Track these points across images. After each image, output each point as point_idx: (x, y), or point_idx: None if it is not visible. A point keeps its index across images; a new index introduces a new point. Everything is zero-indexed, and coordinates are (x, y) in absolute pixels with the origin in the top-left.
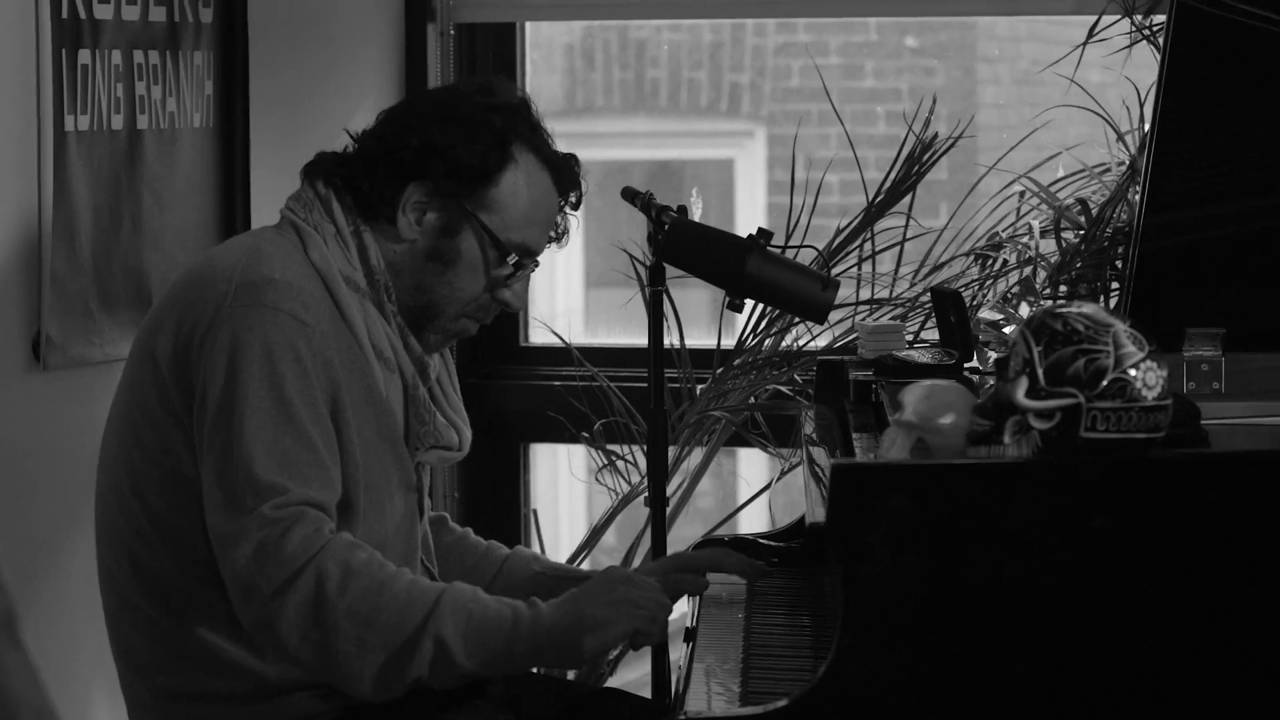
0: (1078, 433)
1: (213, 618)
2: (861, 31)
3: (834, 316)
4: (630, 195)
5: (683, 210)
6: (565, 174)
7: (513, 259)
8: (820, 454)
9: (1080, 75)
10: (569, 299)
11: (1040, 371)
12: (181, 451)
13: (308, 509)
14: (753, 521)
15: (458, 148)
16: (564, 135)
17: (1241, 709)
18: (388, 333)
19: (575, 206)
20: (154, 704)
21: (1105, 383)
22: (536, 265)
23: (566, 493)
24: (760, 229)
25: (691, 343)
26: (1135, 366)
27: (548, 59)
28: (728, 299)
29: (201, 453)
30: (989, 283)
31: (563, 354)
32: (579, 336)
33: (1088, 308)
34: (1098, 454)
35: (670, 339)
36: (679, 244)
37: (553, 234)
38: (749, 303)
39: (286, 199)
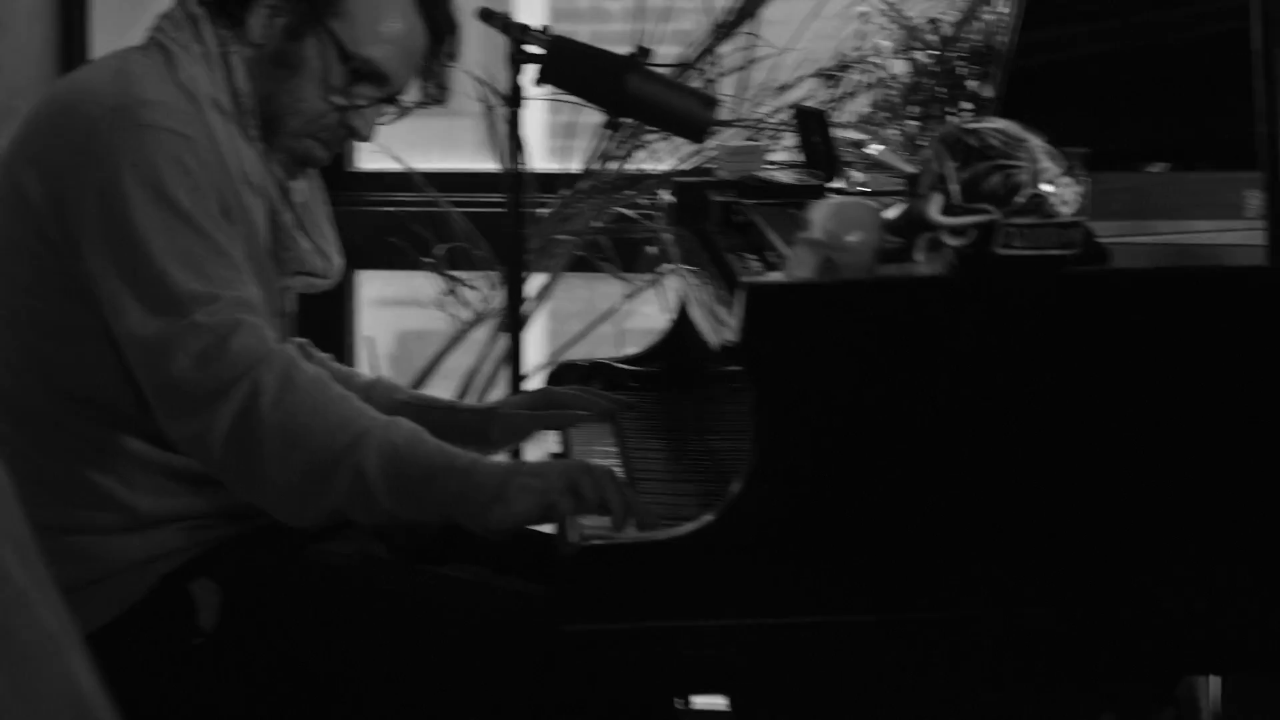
0: (992, 249)
1: (82, 450)
2: None
3: (677, 140)
4: (487, 16)
5: (547, 31)
6: (433, 6)
7: (357, 74)
8: (691, 275)
9: None
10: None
11: (955, 188)
12: (60, 283)
13: (244, 316)
14: (604, 346)
15: None
16: None
17: (1152, 525)
18: (250, 156)
19: (452, 57)
20: None
21: (1022, 199)
22: (395, 101)
23: (395, 320)
24: (640, 47)
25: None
26: (1052, 182)
27: None
28: (606, 119)
29: (104, 280)
30: (839, 103)
31: (392, 179)
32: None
33: (1001, 123)
34: (1013, 270)
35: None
36: (559, 63)
37: (429, 85)
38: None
39: (156, 17)
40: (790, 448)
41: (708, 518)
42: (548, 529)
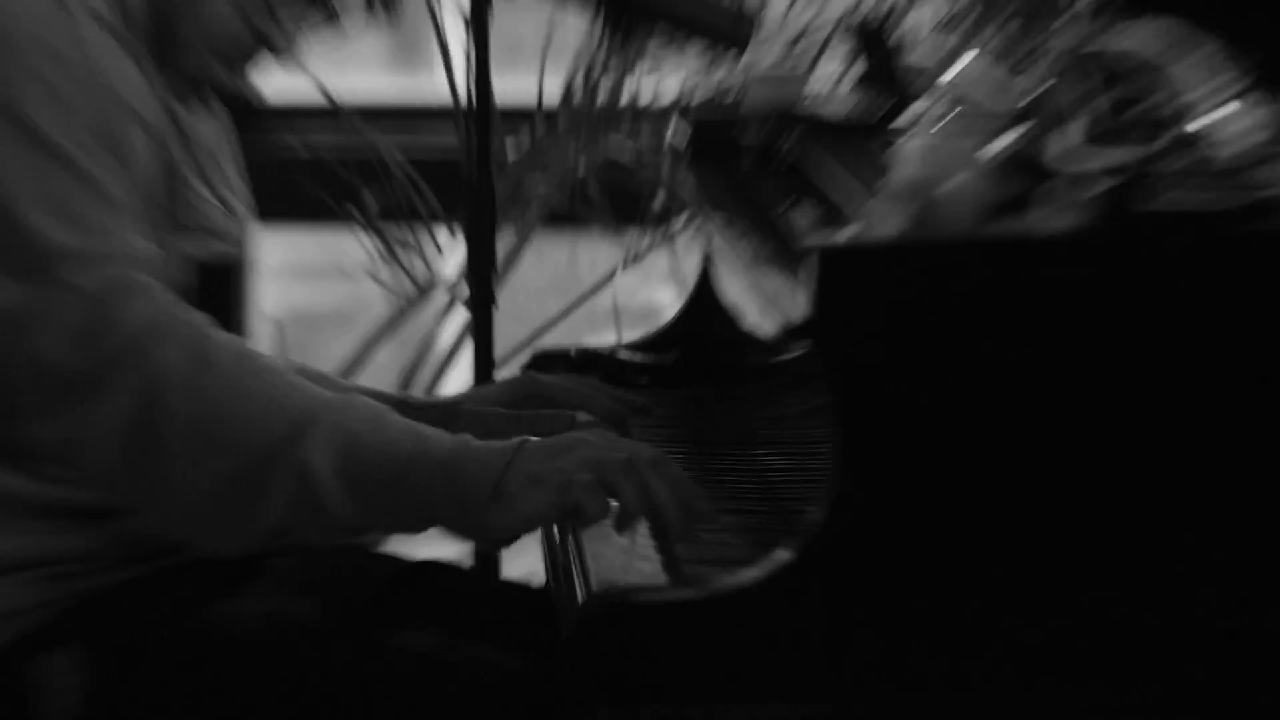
0: (1134, 201)
1: None
2: None
3: (685, 57)
4: None
5: None
6: None
7: None
8: (716, 234)
9: None
10: None
11: (1085, 123)
12: None
13: (134, 275)
14: (592, 323)
15: None
16: None
17: None
18: (137, 81)
19: None
20: None
21: (1169, 138)
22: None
23: (307, 295)
24: None
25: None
26: (1212, 114)
27: None
28: (605, 24)
29: None
30: (900, 13)
31: (304, 112)
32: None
33: (1149, 30)
34: (1160, 228)
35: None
36: None
37: None
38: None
39: None
40: (885, 458)
41: (782, 555)
42: (536, 580)
